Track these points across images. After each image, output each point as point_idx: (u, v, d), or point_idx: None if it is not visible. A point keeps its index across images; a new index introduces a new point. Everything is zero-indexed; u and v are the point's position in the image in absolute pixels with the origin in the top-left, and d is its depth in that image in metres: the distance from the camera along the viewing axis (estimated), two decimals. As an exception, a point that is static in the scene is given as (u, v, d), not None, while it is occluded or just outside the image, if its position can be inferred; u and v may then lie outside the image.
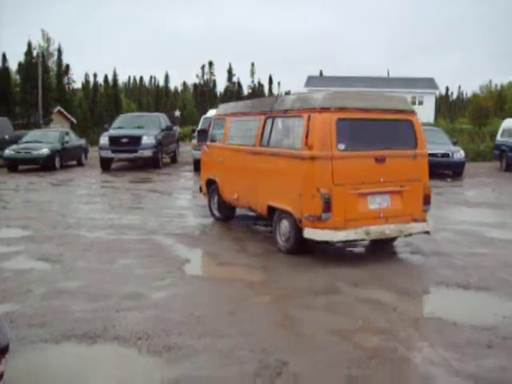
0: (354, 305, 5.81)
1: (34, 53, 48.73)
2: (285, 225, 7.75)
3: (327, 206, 6.89)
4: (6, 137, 23.50)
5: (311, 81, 60.15)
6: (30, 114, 48.14)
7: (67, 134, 23.50)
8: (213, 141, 10.45)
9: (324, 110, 7.07)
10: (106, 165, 20.94)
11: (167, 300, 5.92)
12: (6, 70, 47.21)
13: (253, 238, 8.92)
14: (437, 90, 63.42)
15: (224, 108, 10.56)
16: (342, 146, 7.05)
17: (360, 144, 7.30)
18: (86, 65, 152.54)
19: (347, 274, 6.88)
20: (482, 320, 5.34)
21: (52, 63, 60.48)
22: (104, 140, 20.52)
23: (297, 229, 7.39)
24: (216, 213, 10.45)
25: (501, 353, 4.60)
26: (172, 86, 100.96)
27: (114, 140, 20.37)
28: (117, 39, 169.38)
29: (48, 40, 63.43)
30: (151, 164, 20.91)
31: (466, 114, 73.30)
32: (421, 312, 5.64)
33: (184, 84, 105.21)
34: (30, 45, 48.27)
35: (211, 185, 10.38)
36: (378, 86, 56.16)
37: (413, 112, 7.81)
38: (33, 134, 23.19)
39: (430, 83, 60.20)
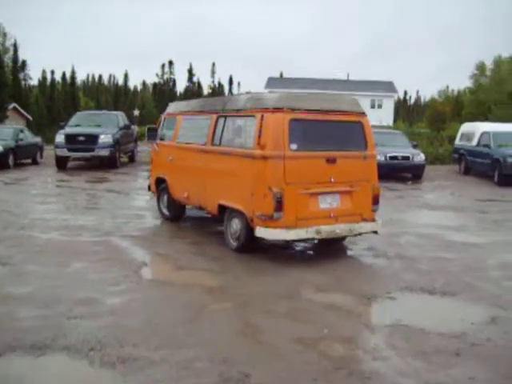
0: (318, 311, 5.61)
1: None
2: (235, 223, 7.77)
3: (279, 205, 6.92)
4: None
5: (271, 82, 60.25)
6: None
7: (22, 131, 22.69)
8: (162, 139, 10.40)
9: (277, 110, 7.11)
10: (61, 164, 20.30)
11: (123, 306, 5.61)
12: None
13: (210, 241, 8.61)
14: (396, 94, 64.39)
15: (175, 106, 10.52)
16: (294, 146, 7.09)
17: (312, 144, 7.36)
18: (43, 62, 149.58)
19: (309, 278, 6.70)
20: (449, 326, 5.20)
21: (8, 59, 58.98)
22: (60, 138, 19.88)
23: (248, 228, 7.41)
24: (165, 212, 10.36)
25: (469, 361, 4.46)
26: (131, 85, 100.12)
27: (70, 138, 19.74)
28: (75, 36, 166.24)
29: (4, 35, 61.90)
30: (108, 163, 20.35)
31: (424, 118, 74.61)
32: (387, 319, 5.45)
33: (144, 83, 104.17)
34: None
35: (160, 183, 10.30)
36: (338, 89, 56.63)
37: (363, 114, 7.91)
38: (-16, 132, 22.32)
39: (389, 87, 61.03)
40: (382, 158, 18.24)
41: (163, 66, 78.56)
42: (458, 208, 13.06)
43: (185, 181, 9.33)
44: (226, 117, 8.18)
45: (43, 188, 15.53)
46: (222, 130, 8.19)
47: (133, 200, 13.46)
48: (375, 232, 7.87)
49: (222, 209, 8.05)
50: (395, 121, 61.80)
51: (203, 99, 10.01)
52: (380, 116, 50.67)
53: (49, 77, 72.36)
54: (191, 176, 9.06)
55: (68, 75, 69.46)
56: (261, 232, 7.13)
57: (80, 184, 16.05)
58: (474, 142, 20.74)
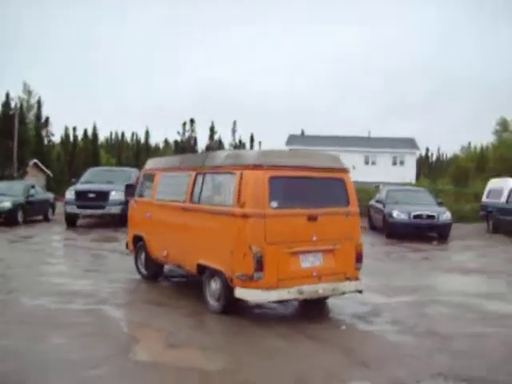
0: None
1: (12, 104, 47.76)
2: (215, 284, 7.49)
3: (259, 265, 6.68)
4: (-31, 190, 22.13)
5: (292, 139, 59.82)
6: (5, 166, 46.72)
7: (33, 187, 22.14)
8: (141, 196, 10.10)
9: (256, 167, 6.96)
10: (71, 221, 19.61)
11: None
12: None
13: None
14: (417, 151, 63.43)
15: (154, 162, 10.35)
16: (274, 204, 6.91)
17: (293, 202, 7.18)
18: (66, 119, 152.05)
19: (322, 360, 5.69)
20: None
21: (32, 115, 59.72)
22: (70, 194, 19.25)
23: (228, 288, 7.10)
24: (143, 270, 10.01)
25: None
26: (153, 142, 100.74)
27: (80, 195, 19.09)
28: (100, 96, 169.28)
29: (29, 92, 62.94)
30: (119, 221, 19.56)
31: (446, 174, 73.47)
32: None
33: (166, 141, 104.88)
34: (7, 96, 47.34)
35: (138, 241, 9.96)
36: (360, 146, 56.07)
37: (344, 170, 7.79)
38: (-4, 187, 21.84)
39: (410, 143, 60.16)
40: (406, 217, 17.34)
41: (184, 124, 78.73)
42: (490, 271, 11.94)
43: (163, 239, 8.99)
44: (205, 174, 8.01)
45: (47, 247, 14.67)
46: (201, 187, 7.99)
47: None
48: (359, 291, 7.57)
49: (202, 268, 7.73)
50: (417, 178, 60.78)
51: (183, 155, 9.94)
52: (402, 173, 49.88)
53: (71, 133, 72.97)
54: (170, 234, 8.75)
55: (90, 132, 69.96)
56: (241, 293, 6.85)
57: (86, 243, 15.23)
58: (503, 199, 19.68)
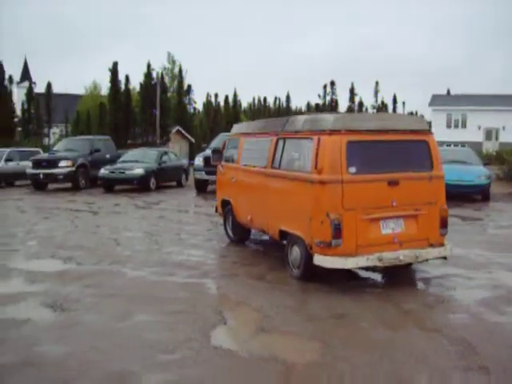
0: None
1: (154, 74, 49.21)
2: (296, 250, 7.39)
3: (337, 231, 6.55)
4: (108, 156, 23.04)
5: (436, 99, 56.32)
6: (148, 134, 48.63)
7: (166, 153, 22.56)
8: (227, 161, 10.17)
9: (334, 132, 6.76)
10: (200, 187, 19.70)
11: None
12: (127, 90, 47.96)
13: (322, 289, 6.95)
14: None
15: (238, 128, 10.40)
16: (352, 170, 6.71)
17: (372, 167, 6.94)
18: (209, 87, 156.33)
19: (440, 360, 4.75)
20: None
21: (176, 84, 61.41)
22: (198, 161, 19.29)
23: (307, 255, 7.01)
24: (230, 234, 10.19)
25: None
26: (294, 106, 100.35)
27: (208, 161, 18.96)
28: (242, 64, 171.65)
29: (173, 62, 64.81)
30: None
31: None
32: None
33: (308, 104, 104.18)
34: (149, 66, 48.78)
35: (226, 205, 10.08)
36: (510, 105, 51.53)
37: (428, 132, 7.44)
38: (131, 154, 22.48)
39: None
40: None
41: (325, 86, 77.32)
42: None
43: (248, 204, 9.07)
44: (285, 139, 7.92)
45: (170, 213, 14.62)
46: (282, 153, 7.91)
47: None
48: (444, 258, 7.30)
49: (284, 234, 7.69)
50: None
51: (264, 120, 9.69)
52: None
53: (213, 100, 74.53)
54: (253, 199, 8.80)
55: (231, 98, 70.90)
56: (319, 260, 6.73)
57: (210, 209, 14.97)
58: None
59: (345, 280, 7.38)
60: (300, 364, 4.67)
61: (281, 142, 7.99)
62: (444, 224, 7.25)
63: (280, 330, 5.55)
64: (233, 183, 9.66)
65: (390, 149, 7.11)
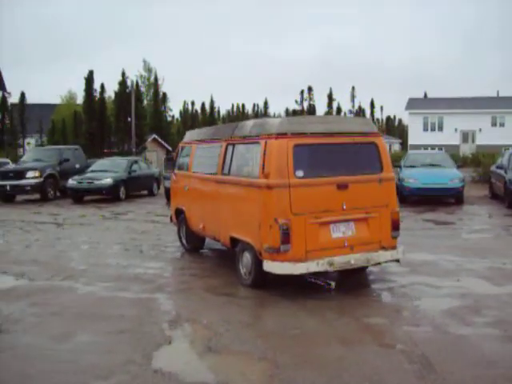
0: None
1: (128, 82, 48.63)
2: (246, 257, 7.29)
3: (286, 236, 6.44)
4: (77, 166, 22.49)
5: (413, 103, 56.45)
6: (124, 143, 48.02)
7: (136, 162, 22.12)
8: (180, 169, 10.00)
9: (280, 136, 6.67)
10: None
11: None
12: (102, 99, 47.32)
13: (278, 303, 6.60)
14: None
15: (190, 135, 10.25)
16: (300, 173, 6.63)
17: (320, 170, 6.87)
18: (185, 95, 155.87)
19: (394, 379, 4.41)
20: None
21: (152, 93, 60.92)
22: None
23: (258, 261, 6.88)
24: (184, 242, 10.06)
25: None
26: (272, 111, 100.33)
27: (178, 169, 18.66)
28: (218, 71, 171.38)
29: (149, 70, 64.32)
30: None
31: None
32: None
33: (287, 110, 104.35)
34: (123, 74, 48.18)
35: (180, 214, 9.92)
36: (487, 107, 51.86)
37: (377, 134, 7.38)
38: (100, 163, 21.97)
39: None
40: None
41: (302, 92, 77.46)
42: None
43: (200, 212, 8.95)
44: (234, 144, 7.80)
45: (136, 224, 14.16)
46: (231, 159, 7.77)
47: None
48: (397, 260, 7.24)
49: (234, 241, 7.57)
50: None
51: (215, 126, 9.71)
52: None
53: (190, 108, 74.19)
54: (205, 207, 8.68)
55: (208, 106, 70.66)
56: (268, 266, 6.62)
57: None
58: None
59: (304, 291, 7.03)
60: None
61: (230, 148, 7.87)
62: (396, 226, 7.20)
63: (229, 348, 5.18)
64: (185, 192, 9.50)
65: (338, 152, 7.05)
